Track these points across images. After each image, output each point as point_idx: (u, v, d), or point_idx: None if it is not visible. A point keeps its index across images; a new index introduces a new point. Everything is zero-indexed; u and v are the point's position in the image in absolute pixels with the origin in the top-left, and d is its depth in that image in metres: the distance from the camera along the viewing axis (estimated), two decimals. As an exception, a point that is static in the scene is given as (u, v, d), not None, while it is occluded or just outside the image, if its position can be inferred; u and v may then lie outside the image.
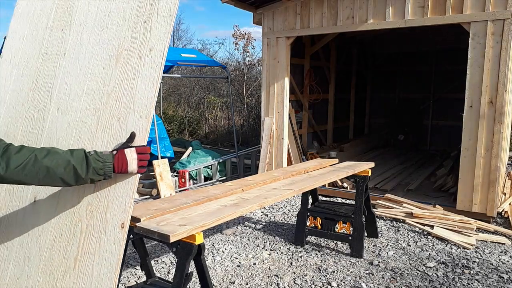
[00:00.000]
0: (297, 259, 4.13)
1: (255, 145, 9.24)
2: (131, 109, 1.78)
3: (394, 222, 5.16)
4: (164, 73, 6.43)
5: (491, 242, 4.56)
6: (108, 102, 1.84)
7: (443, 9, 5.24)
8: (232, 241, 4.63)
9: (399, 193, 6.21)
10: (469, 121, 5.18)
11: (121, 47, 1.87)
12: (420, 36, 9.26)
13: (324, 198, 5.96)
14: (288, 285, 3.61)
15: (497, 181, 5.11)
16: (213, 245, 4.48)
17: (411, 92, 10.71)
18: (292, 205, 5.93)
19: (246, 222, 5.23)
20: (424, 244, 4.50)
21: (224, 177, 7.71)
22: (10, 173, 1.50)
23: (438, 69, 10.32)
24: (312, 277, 3.75)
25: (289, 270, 3.89)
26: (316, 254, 4.25)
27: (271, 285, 3.61)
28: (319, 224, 4.39)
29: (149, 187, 6.60)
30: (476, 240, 4.55)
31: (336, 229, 4.34)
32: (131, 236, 2.29)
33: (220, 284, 3.63)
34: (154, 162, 6.30)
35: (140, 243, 2.71)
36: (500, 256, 4.20)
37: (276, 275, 3.78)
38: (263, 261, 4.09)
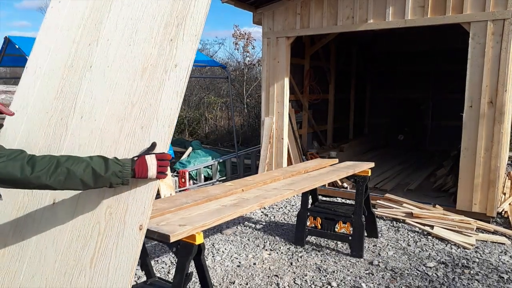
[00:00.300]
0: (297, 259, 4.13)
1: (255, 145, 9.24)
2: (154, 118, 1.86)
3: (394, 222, 5.16)
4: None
5: (491, 242, 4.56)
6: (132, 112, 1.93)
7: (443, 9, 5.24)
8: (232, 241, 4.63)
9: (399, 193, 6.21)
10: (469, 121, 5.18)
11: (147, 62, 1.97)
12: (420, 36, 9.25)
13: (324, 198, 5.96)
14: (288, 285, 3.61)
15: (497, 181, 5.11)
16: (213, 245, 4.49)
17: (411, 92, 10.70)
18: (292, 205, 5.93)
19: (246, 222, 5.23)
20: (424, 244, 4.50)
21: (224, 177, 7.71)
22: (35, 175, 1.58)
23: (438, 69, 10.32)
24: (312, 277, 3.75)
25: (289, 270, 3.89)
26: (316, 254, 4.25)
27: (271, 285, 3.61)
28: (319, 224, 4.39)
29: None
30: (476, 240, 4.55)
31: (336, 229, 4.34)
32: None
33: (220, 284, 3.63)
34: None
35: (140, 243, 2.71)
36: (500, 256, 4.20)
37: (276, 275, 3.78)
38: (263, 261, 4.09)
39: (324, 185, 5.23)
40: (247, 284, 3.63)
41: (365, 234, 4.39)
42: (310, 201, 4.54)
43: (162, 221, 2.26)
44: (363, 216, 4.23)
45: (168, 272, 3.85)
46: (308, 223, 4.44)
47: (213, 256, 4.20)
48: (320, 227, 4.39)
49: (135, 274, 3.75)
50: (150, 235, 2.12)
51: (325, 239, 4.53)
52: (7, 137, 2.23)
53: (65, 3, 2.36)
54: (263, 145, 6.92)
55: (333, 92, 9.67)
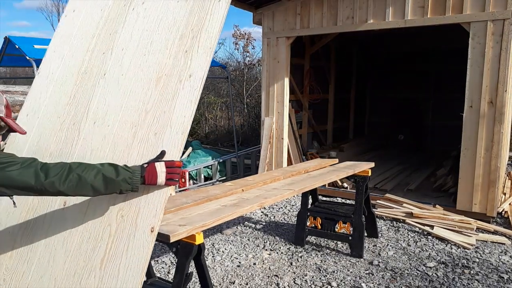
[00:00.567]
0: (297, 259, 4.13)
1: (255, 145, 9.24)
2: (168, 125, 1.91)
3: (394, 222, 5.16)
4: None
5: (491, 242, 4.56)
6: (146, 119, 1.98)
7: (443, 9, 5.24)
8: (232, 241, 4.63)
9: (399, 193, 6.21)
10: (469, 121, 5.18)
11: (161, 71, 2.03)
12: (420, 36, 9.25)
13: (324, 198, 5.96)
14: (288, 285, 3.61)
15: (497, 181, 5.11)
16: (213, 245, 4.48)
17: (411, 92, 10.70)
18: (292, 205, 5.93)
19: (246, 222, 5.23)
20: (424, 244, 4.50)
21: (224, 177, 7.71)
22: (49, 181, 1.62)
23: (438, 69, 10.31)
24: (312, 277, 3.75)
25: (289, 270, 3.89)
26: (316, 254, 4.25)
27: (271, 285, 3.61)
28: (319, 224, 4.39)
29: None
30: (476, 240, 4.55)
31: (336, 229, 4.34)
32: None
33: (220, 284, 3.63)
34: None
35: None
36: (500, 256, 4.20)
37: (276, 275, 3.78)
38: (263, 261, 4.09)
39: (324, 185, 5.23)
40: (247, 284, 3.63)
41: (365, 234, 4.39)
42: (310, 201, 4.54)
43: (162, 221, 2.25)
44: (363, 216, 4.23)
45: (168, 272, 3.85)
46: (308, 223, 4.44)
47: (213, 256, 4.20)
48: (320, 227, 4.39)
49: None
50: (150, 235, 2.12)
51: (325, 239, 4.53)
52: (17, 140, 2.28)
53: (80, 13, 2.44)
54: (263, 145, 6.92)
55: (333, 92, 9.66)
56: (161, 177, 1.78)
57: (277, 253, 4.29)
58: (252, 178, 3.68)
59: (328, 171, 4.18)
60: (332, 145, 9.38)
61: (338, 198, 6.27)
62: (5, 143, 2.24)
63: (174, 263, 3.88)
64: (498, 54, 4.94)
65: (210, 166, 7.59)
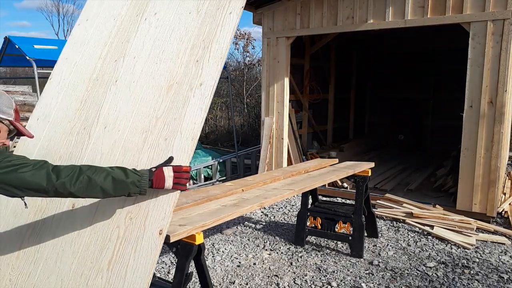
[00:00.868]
0: (297, 259, 4.13)
1: (255, 145, 9.24)
2: (178, 131, 1.96)
3: (394, 222, 5.16)
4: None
5: (491, 242, 4.56)
6: (156, 125, 2.02)
7: (443, 9, 5.24)
8: (232, 241, 4.63)
9: (399, 193, 6.21)
10: (469, 121, 5.18)
11: (173, 79, 2.08)
12: (420, 36, 9.25)
13: (324, 198, 5.96)
14: (288, 285, 3.61)
15: (497, 181, 5.11)
16: (213, 245, 4.49)
17: (411, 92, 10.69)
18: (292, 205, 5.93)
19: (246, 222, 5.23)
20: (424, 244, 4.50)
21: (224, 177, 7.71)
22: (60, 182, 1.66)
23: (438, 69, 10.31)
24: (312, 277, 3.75)
25: (289, 270, 3.89)
26: (316, 254, 4.25)
27: (271, 285, 3.61)
28: (319, 224, 4.39)
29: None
30: (476, 240, 4.55)
31: (336, 229, 4.34)
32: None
33: (220, 284, 3.63)
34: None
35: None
36: (500, 256, 4.20)
37: (276, 275, 3.78)
38: (263, 261, 4.09)
39: (324, 185, 5.23)
40: (247, 284, 3.63)
41: (365, 234, 4.39)
42: (310, 201, 4.54)
43: (162, 221, 2.26)
44: (363, 216, 4.23)
45: (168, 272, 3.85)
46: (308, 223, 4.44)
47: (213, 256, 4.20)
48: (320, 227, 4.39)
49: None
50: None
51: (325, 239, 4.53)
52: (27, 144, 2.31)
53: (93, 22, 2.51)
54: (263, 145, 6.92)
55: (333, 92, 9.66)
56: (169, 181, 1.82)
57: (277, 253, 4.29)
58: (252, 178, 3.68)
59: (328, 171, 4.18)
60: (332, 145, 9.38)
61: (338, 198, 6.27)
62: (14, 146, 2.30)
63: (174, 263, 3.88)
64: (498, 54, 4.94)
65: (210, 166, 7.59)
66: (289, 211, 5.71)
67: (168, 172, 1.82)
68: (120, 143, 2.07)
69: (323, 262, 4.07)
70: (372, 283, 3.63)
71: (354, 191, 4.62)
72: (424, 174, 7.54)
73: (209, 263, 4.02)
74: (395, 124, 10.73)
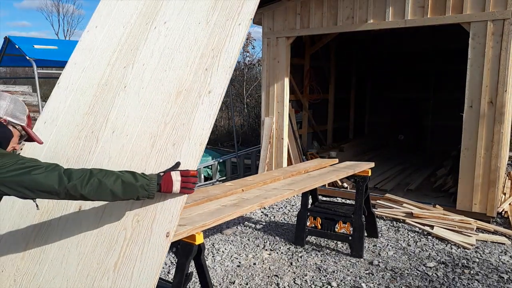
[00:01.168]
0: (297, 259, 4.13)
1: (255, 145, 9.24)
2: (186, 137, 1.98)
3: (394, 222, 5.16)
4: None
5: (491, 242, 4.56)
6: (165, 130, 2.05)
7: (443, 9, 5.24)
8: (232, 241, 4.63)
9: (399, 193, 6.21)
10: (469, 121, 5.18)
11: (181, 86, 2.12)
12: (420, 36, 9.25)
13: (324, 198, 5.96)
14: (288, 285, 3.61)
15: (497, 181, 5.11)
16: (213, 245, 4.49)
17: (411, 92, 10.69)
18: (292, 205, 5.93)
19: (246, 222, 5.23)
20: (424, 244, 4.50)
21: (224, 177, 7.71)
22: (72, 184, 1.68)
23: (438, 69, 10.31)
24: (312, 277, 3.75)
25: (289, 270, 3.89)
26: (316, 254, 4.25)
27: (271, 285, 3.61)
28: (319, 224, 4.39)
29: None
30: (476, 240, 4.55)
31: (336, 229, 4.34)
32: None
33: (220, 284, 3.64)
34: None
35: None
36: (500, 256, 4.20)
37: (276, 275, 3.78)
38: (263, 261, 4.09)
39: (324, 185, 5.23)
40: (247, 284, 3.64)
41: (365, 234, 4.39)
42: (310, 201, 4.54)
43: (162, 221, 2.26)
44: (363, 216, 4.23)
45: (168, 272, 3.86)
46: (308, 223, 4.44)
47: (213, 256, 4.20)
48: (320, 227, 4.39)
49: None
50: (150, 235, 2.12)
51: (325, 239, 4.53)
52: (34, 146, 2.31)
53: (102, 29, 2.56)
54: (263, 145, 6.92)
55: (333, 92, 9.66)
56: (176, 186, 1.85)
57: (277, 253, 4.29)
58: (252, 178, 3.68)
59: (328, 171, 4.18)
60: (332, 145, 9.38)
61: (338, 198, 6.27)
62: (21, 148, 2.30)
63: (174, 263, 3.88)
64: (498, 54, 4.94)
65: (210, 166, 7.59)
66: (289, 211, 5.71)
67: (176, 177, 1.85)
68: (128, 147, 2.10)
69: (323, 262, 4.07)
70: (372, 283, 3.63)
71: (354, 191, 4.62)
72: (424, 174, 7.54)
73: (209, 263, 4.02)
74: (395, 124, 10.73)
